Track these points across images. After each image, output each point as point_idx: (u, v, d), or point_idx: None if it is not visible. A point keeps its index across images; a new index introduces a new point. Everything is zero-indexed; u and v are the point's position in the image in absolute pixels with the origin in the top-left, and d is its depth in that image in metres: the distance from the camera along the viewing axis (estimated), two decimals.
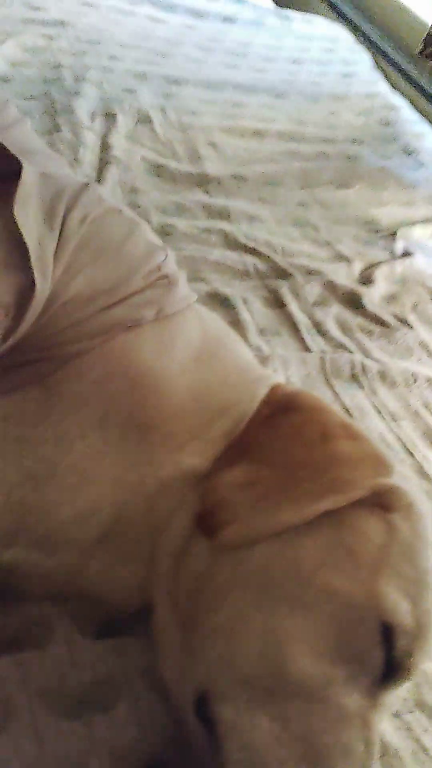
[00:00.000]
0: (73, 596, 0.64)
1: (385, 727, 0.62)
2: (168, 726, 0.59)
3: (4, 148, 0.63)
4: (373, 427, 0.99)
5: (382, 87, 1.99)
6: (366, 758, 0.50)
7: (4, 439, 0.60)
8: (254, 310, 1.11)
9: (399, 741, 0.62)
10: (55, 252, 0.58)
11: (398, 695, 0.60)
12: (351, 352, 1.11)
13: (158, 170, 1.35)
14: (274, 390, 0.66)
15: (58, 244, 0.59)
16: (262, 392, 0.66)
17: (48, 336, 0.59)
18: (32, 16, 1.65)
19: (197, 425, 0.62)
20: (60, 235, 0.59)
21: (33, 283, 0.56)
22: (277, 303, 1.16)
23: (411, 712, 0.64)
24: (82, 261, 0.60)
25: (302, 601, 0.54)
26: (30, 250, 0.57)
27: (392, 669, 0.54)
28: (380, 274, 1.28)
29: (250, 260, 1.21)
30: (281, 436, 0.62)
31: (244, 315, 1.09)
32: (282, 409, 0.64)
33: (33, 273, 0.56)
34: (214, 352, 0.68)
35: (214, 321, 0.75)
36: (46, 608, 0.64)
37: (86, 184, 0.66)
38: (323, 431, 0.61)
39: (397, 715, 0.64)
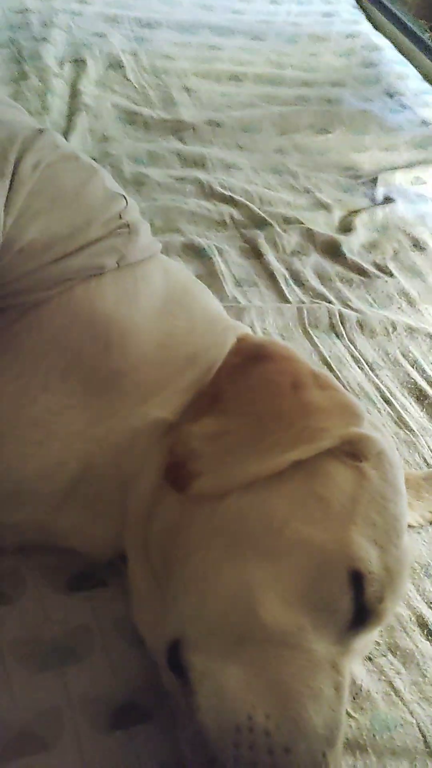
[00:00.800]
0: (46, 547, 0.64)
1: (358, 670, 0.63)
2: (142, 672, 0.60)
3: None
4: (352, 377, 0.98)
5: (365, 26, 1.93)
6: (336, 702, 0.51)
7: None
8: (230, 261, 1.09)
9: (371, 683, 0.62)
10: (6, 198, 0.56)
11: (371, 640, 0.61)
12: (330, 302, 1.09)
13: (130, 117, 1.31)
14: (243, 339, 0.65)
15: (9, 190, 0.56)
16: (230, 341, 0.65)
17: (2, 285, 0.57)
18: None
19: (164, 375, 0.61)
20: (11, 181, 0.57)
21: None
22: (254, 253, 1.13)
23: (384, 656, 0.65)
24: (36, 208, 0.58)
25: (273, 551, 0.54)
26: None
27: (363, 615, 0.54)
28: (360, 222, 1.26)
29: (226, 210, 1.19)
30: (251, 385, 0.61)
31: (220, 266, 1.07)
32: (251, 359, 0.63)
33: None
34: (179, 302, 0.66)
35: (180, 271, 0.74)
36: (17, 561, 0.64)
37: (41, 130, 0.63)
38: (293, 381, 0.61)
39: (370, 658, 0.65)
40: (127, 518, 0.61)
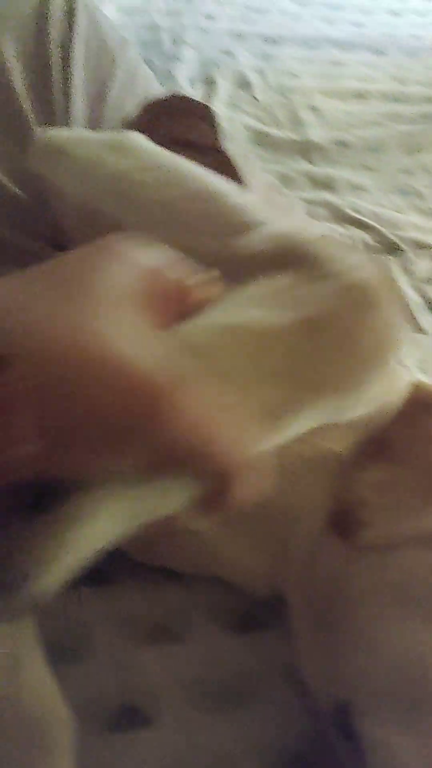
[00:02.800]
0: (209, 584, 0.65)
1: None
2: (309, 723, 0.60)
3: None
4: None
5: None
6: None
7: None
8: None
9: None
10: None
11: None
12: None
13: (260, 138, 1.31)
14: (418, 388, 0.64)
15: None
16: (402, 386, 0.64)
17: None
18: None
19: None
20: None
21: None
22: None
23: None
24: None
25: None
26: None
27: None
28: None
29: (358, 234, 1.17)
30: (423, 437, 0.60)
31: None
32: (424, 409, 0.62)
33: None
34: None
35: None
36: (185, 599, 0.65)
37: None
38: None
39: None
40: (287, 558, 0.61)
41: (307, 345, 0.42)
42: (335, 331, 0.43)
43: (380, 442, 0.61)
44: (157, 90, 0.85)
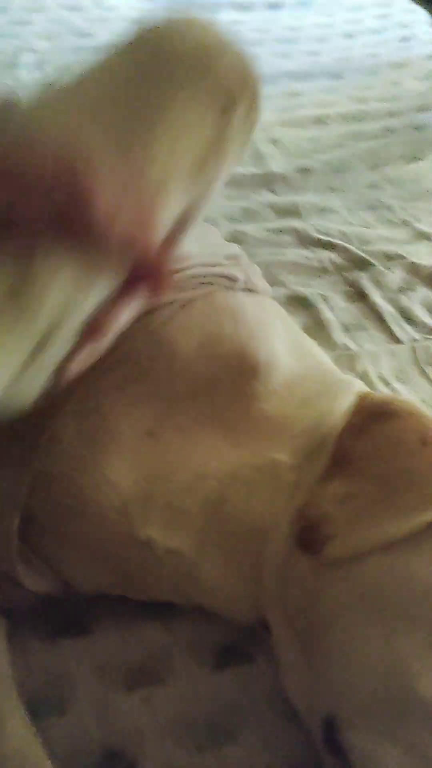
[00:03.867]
0: (191, 620, 0.65)
1: None
2: (298, 747, 0.59)
3: None
4: None
5: None
6: None
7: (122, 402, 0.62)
8: (336, 307, 1.09)
9: None
10: None
11: None
12: None
13: None
14: (364, 398, 0.65)
15: None
16: (346, 397, 0.65)
17: None
18: (82, 43, 1.68)
19: (285, 415, 0.63)
20: None
21: None
22: (358, 296, 1.12)
23: None
24: None
25: (419, 618, 0.52)
26: None
27: None
28: None
29: (325, 255, 1.19)
30: (377, 445, 0.60)
31: (326, 314, 1.07)
32: (374, 417, 0.62)
33: None
34: (296, 345, 0.68)
35: (292, 321, 0.77)
36: (165, 639, 0.66)
37: None
38: (421, 437, 0.59)
39: None
40: (263, 582, 0.61)
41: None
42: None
43: (337, 456, 0.61)
44: None
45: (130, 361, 0.61)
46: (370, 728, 0.50)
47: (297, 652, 0.58)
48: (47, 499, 0.61)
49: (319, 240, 1.22)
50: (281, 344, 0.66)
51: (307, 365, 0.68)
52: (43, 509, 0.61)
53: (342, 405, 0.64)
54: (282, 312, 0.73)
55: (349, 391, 0.66)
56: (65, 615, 0.66)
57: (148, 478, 0.61)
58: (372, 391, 0.67)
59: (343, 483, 0.58)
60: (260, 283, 0.70)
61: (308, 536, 0.57)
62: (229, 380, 0.62)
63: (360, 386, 0.70)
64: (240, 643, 0.66)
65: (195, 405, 0.62)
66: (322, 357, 0.74)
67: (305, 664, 0.57)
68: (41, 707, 0.60)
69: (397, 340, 1.05)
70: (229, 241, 1.18)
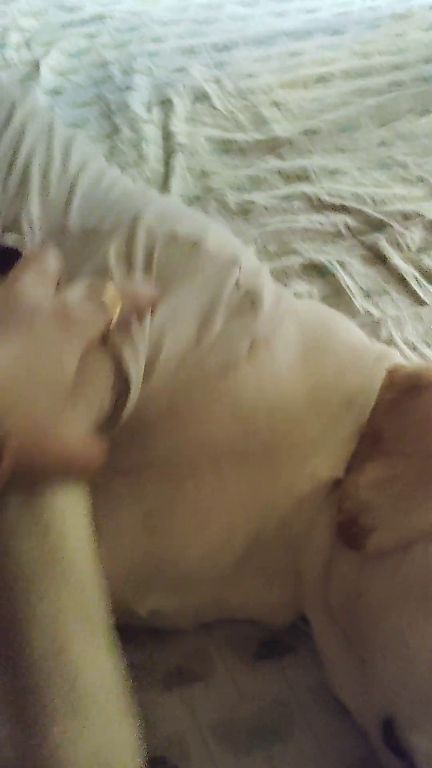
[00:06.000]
0: (227, 620, 0.61)
1: None
2: (351, 746, 0.55)
3: None
4: None
5: None
6: None
7: (115, 501, 0.56)
8: (355, 273, 1.03)
9: None
10: None
11: None
12: None
13: (225, 146, 1.28)
14: (394, 372, 0.59)
15: None
16: (380, 375, 0.60)
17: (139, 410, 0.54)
18: (70, 18, 1.62)
19: (322, 429, 0.57)
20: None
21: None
22: (378, 259, 1.07)
23: None
24: (162, 319, 0.55)
25: None
26: None
27: None
28: None
29: (339, 219, 1.13)
30: (411, 422, 0.55)
31: (345, 280, 1.02)
32: (407, 392, 0.57)
33: None
34: (320, 347, 0.61)
35: (311, 310, 0.69)
36: (202, 638, 0.62)
37: (133, 221, 0.62)
38: None
39: None
40: (303, 583, 0.57)
41: None
42: None
43: (371, 439, 0.56)
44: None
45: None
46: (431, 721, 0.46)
47: (343, 649, 0.54)
48: None
49: (332, 204, 1.16)
50: (293, 376, 0.58)
51: (339, 362, 0.61)
52: None
53: (374, 381, 0.60)
54: (293, 316, 0.64)
55: (381, 365, 0.61)
56: None
57: (148, 563, 0.56)
58: (403, 363, 0.62)
59: (378, 467, 0.53)
60: (268, 311, 0.61)
61: (349, 530, 0.53)
62: (236, 449, 0.56)
63: (392, 357, 0.65)
64: (281, 637, 0.62)
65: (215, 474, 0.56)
66: (353, 339, 0.66)
67: (353, 661, 0.53)
68: None
69: (422, 302, 0.99)
70: (237, 213, 1.14)
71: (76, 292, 0.48)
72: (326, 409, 0.57)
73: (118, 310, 0.50)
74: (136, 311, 0.52)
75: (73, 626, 0.44)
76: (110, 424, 0.52)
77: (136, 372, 0.52)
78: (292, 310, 0.65)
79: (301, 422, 0.56)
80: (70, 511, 0.47)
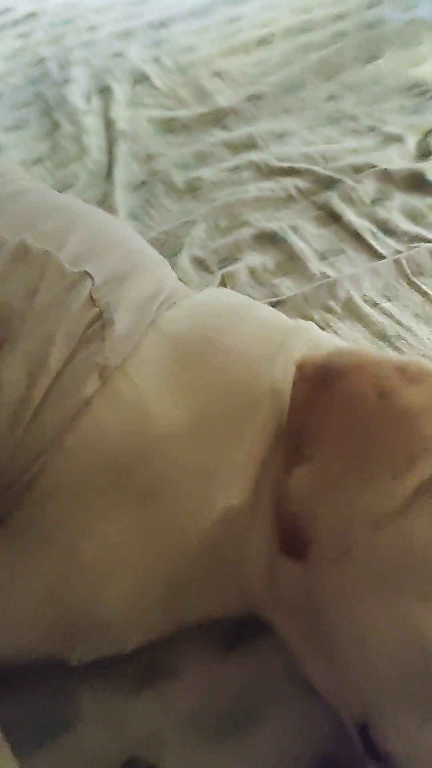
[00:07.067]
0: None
1: None
2: (328, 721, 0.54)
3: None
4: None
5: None
6: None
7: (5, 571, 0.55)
8: (308, 236, 1.01)
9: None
10: None
11: None
12: (429, 241, 0.97)
13: (168, 125, 1.25)
14: (302, 367, 0.54)
15: None
16: (288, 370, 0.55)
17: None
18: (2, 21, 1.59)
19: (212, 455, 0.53)
20: None
21: None
22: (331, 218, 1.04)
23: None
24: None
25: (424, 582, 0.46)
26: None
27: None
28: None
29: (289, 182, 1.10)
30: (333, 414, 0.51)
31: (299, 244, 0.99)
32: (321, 383, 0.52)
33: None
34: (203, 356, 0.57)
35: (204, 304, 0.63)
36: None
37: None
38: (378, 389, 0.50)
39: None
40: (252, 591, 0.55)
41: None
42: None
43: (293, 443, 0.52)
44: None
45: None
46: (405, 717, 0.45)
47: (309, 646, 0.53)
48: None
49: (281, 168, 1.13)
50: (171, 398, 0.54)
51: (235, 360, 0.57)
52: None
53: (277, 381, 0.55)
54: (172, 322, 0.59)
55: (286, 356, 0.57)
56: None
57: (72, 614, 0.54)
58: (309, 354, 0.56)
59: (308, 471, 0.50)
60: (123, 329, 0.56)
61: (289, 543, 0.50)
62: (126, 492, 0.53)
63: (300, 339, 0.60)
64: (251, 619, 0.61)
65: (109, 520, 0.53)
66: (254, 327, 0.61)
67: (317, 645, 0.51)
68: (47, 727, 0.56)
69: (380, 256, 0.96)
70: (185, 191, 1.12)
71: None
72: (213, 432, 0.54)
73: None
74: None
75: None
76: None
77: None
78: (167, 318, 0.59)
79: (181, 456, 0.53)
80: None
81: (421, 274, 0.93)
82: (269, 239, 1.01)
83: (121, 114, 1.26)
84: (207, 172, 1.14)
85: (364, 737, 0.47)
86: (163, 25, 1.52)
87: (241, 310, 0.63)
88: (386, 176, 1.08)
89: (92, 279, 0.56)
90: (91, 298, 0.55)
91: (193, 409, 0.54)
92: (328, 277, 0.94)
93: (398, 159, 1.12)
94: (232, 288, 0.91)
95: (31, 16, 1.58)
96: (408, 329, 0.86)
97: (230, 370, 0.56)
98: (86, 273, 0.57)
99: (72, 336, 0.54)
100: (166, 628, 0.57)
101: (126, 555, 0.53)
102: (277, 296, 0.92)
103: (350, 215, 1.03)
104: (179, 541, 0.53)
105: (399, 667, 0.45)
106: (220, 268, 0.96)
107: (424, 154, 1.13)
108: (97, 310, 0.55)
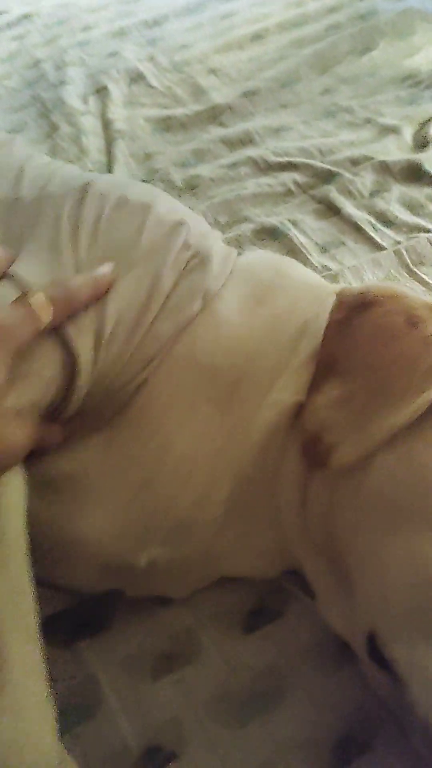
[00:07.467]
0: (213, 597, 0.62)
1: None
2: (347, 702, 0.56)
3: None
4: None
5: None
6: None
7: (106, 465, 0.58)
8: (308, 229, 1.02)
9: None
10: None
11: None
12: (428, 230, 0.98)
13: (165, 124, 1.26)
14: (341, 294, 0.60)
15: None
16: (330, 300, 0.60)
17: (101, 385, 0.55)
18: None
19: (279, 357, 0.58)
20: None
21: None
22: (331, 211, 1.05)
23: None
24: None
25: None
26: None
27: None
28: None
29: (288, 177, 1.11)
30: (363, 337, 0.56)
31: (299, 238, 1.00)
32: (355, 309, 0.58)
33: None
34: (271, 288, 0.62)
35: (263, 259, 0.71)
36: (188, 620, 0.62)
37: (85, 185, 0.61)
38: (407, 317, 0.54)
39: None
40: (285, 518, 0.58)
41: None
42: None
43: (326, 361, 0.57)
44: None
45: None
46: (410, 635, 0.47)
47: (332, 580, 0.56)
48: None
49: (279, 163, 1.14)
50: (246, 318, 0.60)
51: (292, 296, 0.62)
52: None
53: (326, 308, 0.59)
54: (243, 268, 0.65)
55: (331, 293, 0.62)
56: (77, 617, 0.63)
57: (143, 517, 0.57)
58: (349, 286, 0.62)
59: (335, 385, 0.54)
60: (217, 266, 0.62)
61: (313, 449, 0.54)
62: (206, 394, 0.57)
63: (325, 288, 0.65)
64: (267, 604, 0.62)
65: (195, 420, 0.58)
66: (307, 277, 0.68)
67: (343, 589, 0.54)
68: (69, 716, 0.57)
69: (380, 247, 0.98)
70: (184, 189, 1.13)
71: (3, 297, 0.48)
72: (281, 339, 0.58)
73: (47, 316, 0.50)
74: (71, 311, 0.53)
75: (6, 614, 0.45)
76: (67, 402, 0.53)
77: (83, 346, 0.53)
78: (243, 263, 0.66)
79: (258, 355, 0.58)
80: (8, 503, 0.49)
81: (422, 263, 0.95)
82: (270, 234, 1.02)
83: (118, 114, 1.27)
84: (205, 170, 1.15)
85: (370, 646, 0.50)
86: (156, 23, 1.52)
87: (294, 262, 0.72)
88: (384, 168, 1.09)
89: (189, 225, 0.61)
90: (186, 245, 0.60)
91: (266, 320, 0.59)
92: (330, 269, 0.95)
93: (395, 150, 1.13)
94: None
95: (26, 18, 1.58)
96: None
97: (296, 294, 0.62)
98: (183, 220, 0.61)
99: (175, 268, 0.59)
100: (204, 570, 0.61)
101: (204, 452, 0.57)
102: None
103: (349, 208, 1.04)
104: (247, 440, 0.57)
105: (410, 596, 0.47)
106: None
107: (421, 144, 1.14)
108: (194, 250, 0.60)
